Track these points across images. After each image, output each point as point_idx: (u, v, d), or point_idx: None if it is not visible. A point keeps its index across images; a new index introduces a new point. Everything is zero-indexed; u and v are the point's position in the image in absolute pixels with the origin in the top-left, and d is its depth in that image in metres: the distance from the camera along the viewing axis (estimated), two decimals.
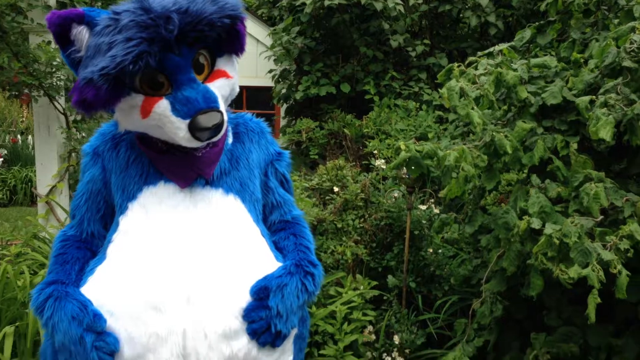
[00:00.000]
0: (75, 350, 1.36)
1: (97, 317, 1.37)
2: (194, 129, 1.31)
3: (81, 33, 1.33)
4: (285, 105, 6.27)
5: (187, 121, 1.31)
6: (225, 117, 1.37)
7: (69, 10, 1.34)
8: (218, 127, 1.33)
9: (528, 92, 2.48)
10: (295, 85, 5.71)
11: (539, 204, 2.19)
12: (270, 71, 6.27)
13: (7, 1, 3.41)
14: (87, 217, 1.55)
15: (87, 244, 1.56)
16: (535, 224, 2.09)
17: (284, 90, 5.96)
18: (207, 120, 1.31)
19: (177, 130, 1.33)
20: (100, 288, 1.43)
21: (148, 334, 1.35)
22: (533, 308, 2.54)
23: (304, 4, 5.34)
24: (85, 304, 1.38)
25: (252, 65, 7.22)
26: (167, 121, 1.33)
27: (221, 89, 1.41)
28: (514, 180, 2.92)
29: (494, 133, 2.35)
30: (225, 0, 1.33)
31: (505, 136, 2.33)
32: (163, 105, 1.33)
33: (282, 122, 6.59)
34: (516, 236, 2.18)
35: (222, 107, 1.37)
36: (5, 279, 2.86)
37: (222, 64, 1.43)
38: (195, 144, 1.36)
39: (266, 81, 6.61)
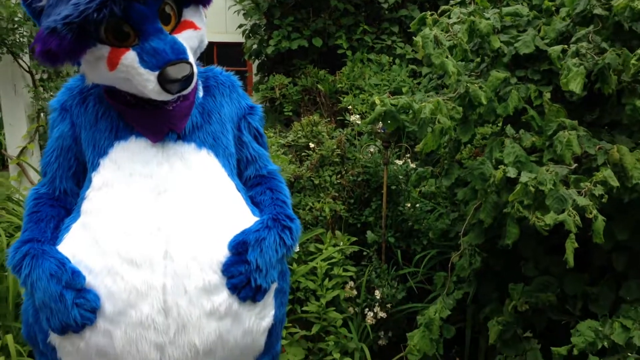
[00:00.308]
0: (56, 308, 1.35)
1: (76, 274, 1.37)
2: (163, 81, 1.29)
3: None
4: (257, 62, 6.17)
5: (156, 73, 1.29)
6: (195, 69, 1.35)
7: None
8: (188, 78, 1.31)
9: (501, 41, 2.46)
10: (266, 40, 5.60)
11: (514, 154, 2.20)
12: (240, 26, 6.13)
13: None
14: (58, 175, 1.54)
15: (60, 201, 1.54)
16: (511, 172, 2.10)
17: (254, 46, 5.85)
18: (176, 71, 1.29)
19: (146, 83, 1.30)
20: (76, 245, 1.42)
21: (128, 290, 1.36)
22: (511, 259, 2.58)
23: None
24: (63, 262, 1.38)
25: (221, 20, 7.03)
26: (135, 73, 1.30)
27: (189, 40, 1.38)
28: (489, 134, 2.93)
29: (468, 84, 2.34)
30: None
31: (480, 87, 2.32)
32: (130, 57, 1.30)
33: (255, 79, 6.49)
34: (492, 186, 2.19)
35: (192, 58, 1.35)
36: None
37: (189, 15, 1.40)
38: (165, 96, 1.34)
39: (236, 37, 6.46)
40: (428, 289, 3.18)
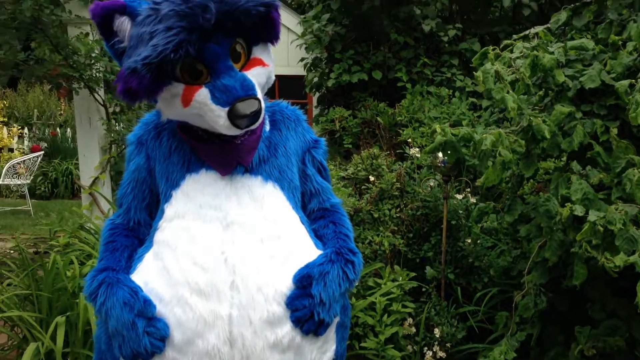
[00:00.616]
0: (128, 336, 1.40)
1: (147, 302, 1.42)
2: (233, 117, 1.34)
3: (123, 24, 1.37)
4: (317, 94, 6.26)
5: (227, 109, 1.34)
6: (263, 105, 1.40)
7: (111, 1, 1.37)
8: (256, 114, 1.36)
9: (565, 75, 2.41)
10: (327, 73, 5.68)
11: (581, 191, 2.13)
12: (302, 59, 6.26)
13: None
14: (133, 205, 1.60)
15: (134, 232, 1.61)
16: (578, 211, 2.03)
17: (316, 79, 5.94)
18: (245, 107, 1.33)
19: (217, 119, 1.35)
20: (149, 274, 1.48)
21: (196, 319, 1.39)
22: (577, 300, 2.48)
23: None
24: (135, 290, 1.44)
25: (284, 54, 7.21)
26: (207, 109, 1.36)
27: (258, 77, 1.43)
28: (552, 169, 2.85)
29: (531, 117, 2.29)
30: None
31: (543, 121, 2.27)
32: (203, 94, 1.35)
33: (315, 112, 6.58)
34: (558, 224, 2.13)
35: (260, 94, 1.40)
36: (55, 270, 2.93)
37: (258, 52, 1.45)
38: (234, 131, 1.39)
39: (298, 70, 6.59)
40: (489, 328, 3.08)
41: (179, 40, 1.25)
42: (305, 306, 1.43)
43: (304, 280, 1.45)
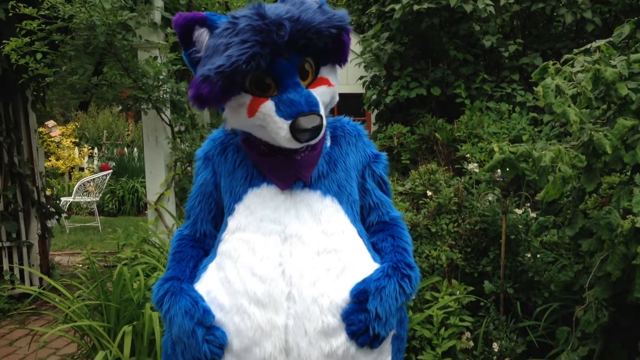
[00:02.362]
0: (189, 343, 1.48)
1: (207, 312, 1.50)
2: (294, 130, 1.39)
3: (202, 35, 1.46)
4: (375, 112, 6.31)
5: (289, 122, 1.39)
6: (325, 122, 1.45)
7: (194, 13, 1.47)
8: (317, 129, 1.41)
9: (629, 88, 2.39)
10: (385, 91, 5.73)
11: None
12: (361, 78, 6.33)
13: (118, 20, 3.66)
14: (200, 218, 1.69)
15: (200, 242, 1.69)
16: None
17: (374, 96, 5.99)
18: (307, 122, 1.39)
19: (279, 130, 1.41)
20: (211, 283, 1.55)
21: (254, 328, 1.45)
22: None
23: (393, 10, 5.36)
24: (196, 300, 1.51)
25: (343, 72, 7.20)
26: (270, 121, 1.42)
27: (322, 95, 1.49)
28: (616, 183, 2.81)
29: (592, 132, 2.28)
30: (334, 12, 1.43)
31: (605, 135, 2.26)
32: (268, 106, 1.42)
33: (373, 128, 6.63)
34: (620, 237, 2.10)
35: (322, 112, 1.45)
36: (123, 282, 3.06)
37: (325, 73, 1.52)
38: (294, 144, 1.44)
39: (356, 88, 6.67)
40: (549, 344, 3.04)
41: (252, 52, 1.32)
42: (361, 320, 1.46)
43: (361, 295, 1.48)
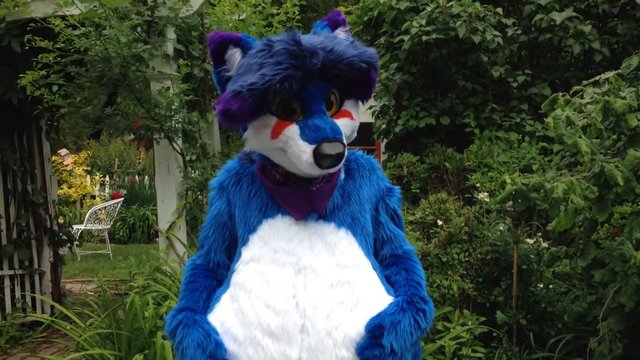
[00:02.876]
0: None
1: (219, 346, 1.50)
2: (317, 155, 1.40)
3: (235, 55, 1.49)
4: (385, 141, 6.34)
5: (313, 146, 1.40)
6: (346, 151, 1.46)
7: (229, 33, 1.51)
8: (339, 157, 1.42)
9: (638, 120, 2.40)
10: (395, 120, 5.77)
11: None
12: (370, 107, 6.38)
13: (132, 52, 3.73)
14: (214, 248, 1.69)
15: (214, 272, 1.69)
16: None
17: (383, 126, 6.03)
18: (331, 148, 1.40)
19: (302, 154, 1.42)
20: (225, 314, 1.55)
21: None
22: None
23: (401, 41, 5.43)
24: (209, 333, 1.51)
25: None
26: (293, 144, 1.43)
27: (344, 127, 1.50)
28: (628, 213, 2.81)
29: (603, 163, 2.29)
30: (365, 48, 1.47)
31: (616, 166, 2.27)
32: (293, 130, 1.44)
33: (383, 157, 6.66)
34: (633, 268, 2.10)
35: (345, 141, 1.47)
36: (134, 310, 3.07)
37: (348, 106, 1.54)
38: (315, 170, 1.44)
39: (366, 117, 6.72)
40: None
41: (287, 74, 1.35)
42: (376, 356, 1.46)
43: (376, 330, 1.47)
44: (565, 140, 2.28)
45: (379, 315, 1.50)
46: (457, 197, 4.51)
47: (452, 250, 3.44)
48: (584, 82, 2.74)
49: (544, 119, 2.41)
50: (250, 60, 1.42)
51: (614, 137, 2.70)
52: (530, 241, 3.44)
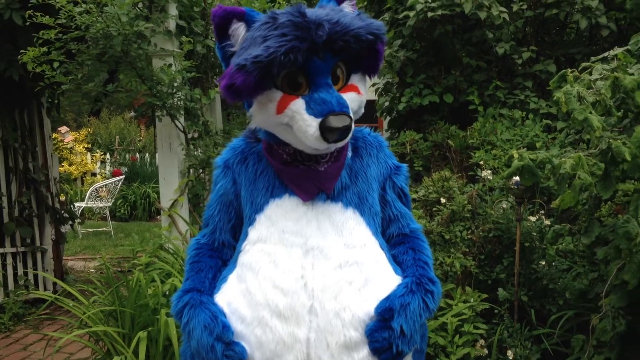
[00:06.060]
0: (207, 357, 1.48)
1: (226, 328, 1.49)
2: (324, 128, 1.38)
3: (239, 29, 1.46)
4: (388, 118, 6.31)
5: (319, 120, 1.38)
6: (353, 125, 1.44)
7: (233, 7, 1.47)
8: (346, 129, 1.40)
9: None
10: (398, 98, 5.73)
11: None
12: (373, 85, 6.34)
13: (134, 30, 3.68)
14: (219, 227, 1.67)
15: (219, 252, 1.68)
16: None
17: (387, 103, 5.99)
18: (337, 121, 1.37)
19: (308, 128, 1.39)
20: (232, 295, 1.54)
21: (275, 341, 1.45)
22: None
23: (406, 17, 5.36)
24: (216, 315, 1.50)
25: None
26: (299, 118, 1.40)
27: (351, 102, 1.47)
28: (631, 191, 2.79)
29: (611, 140, 2.27)
30: (372, 20, 1.43)
31: (624, 143, 2.25)
32: (298, 104, 1.41)
33: (385, 135, 6.63)
34: (638, 246, 2.10)
35: (352, 115, 1.44)
36: (138, 287, 3.07)
37: (355, 80, 1.51)
38: (321, 144, 1.42)
39: (369, 95, 6.67)
40: (564, 352, 3.02)
41: (291, 46, 1.32)
42: (385, 338, 1.46)
43: (386, 313, 1.47)
44: (576, 116, 2.25)
45: (388, 298, 1.50)
46: (460, 174, 4.50)
47: (454, 228, 3.43)
48: (592, 58, 2.70)
49: (551, 95, 2.38)
50: (255, 34, 1.39)
51: (619, 114, 2.67)
52: (533, 219, 3.44)
